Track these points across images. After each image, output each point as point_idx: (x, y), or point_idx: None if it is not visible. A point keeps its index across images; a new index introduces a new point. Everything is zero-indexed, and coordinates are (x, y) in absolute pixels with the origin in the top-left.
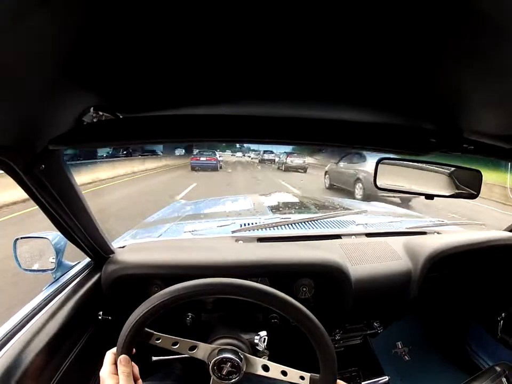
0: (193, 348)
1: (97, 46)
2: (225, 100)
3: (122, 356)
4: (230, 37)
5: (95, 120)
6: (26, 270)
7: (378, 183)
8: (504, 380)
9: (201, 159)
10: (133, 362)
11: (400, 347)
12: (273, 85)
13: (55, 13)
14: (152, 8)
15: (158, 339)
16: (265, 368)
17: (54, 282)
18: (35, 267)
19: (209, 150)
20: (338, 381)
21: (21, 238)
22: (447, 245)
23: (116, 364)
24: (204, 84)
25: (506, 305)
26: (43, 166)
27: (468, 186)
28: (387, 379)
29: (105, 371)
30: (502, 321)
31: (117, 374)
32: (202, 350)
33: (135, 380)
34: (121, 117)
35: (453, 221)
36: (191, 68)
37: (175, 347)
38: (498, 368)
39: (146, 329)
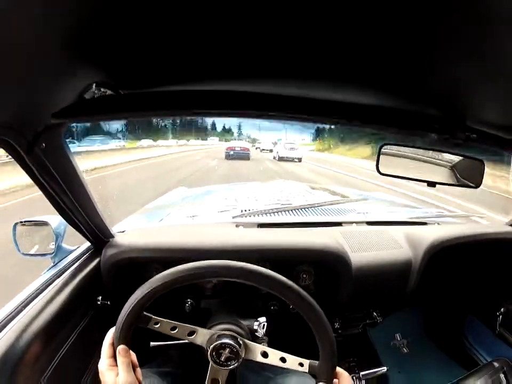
0: (192, 333)
1: (100, 22)
2: (228, 77)
3: (121, 347)
4: (233, 12)
5: (96, 96)
6: (25, 254)
7: (381, 170)
8: (502, 375)
9: (236, 148)
10: (130, 350)
11: (398, 339)
12: (280, 63)
13: None
14: None
15: (156, 323)
16: (264, 354)
17: (53, 266)
18: (34, 251)
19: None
20: (337, 368)
21: (20, 222)
22: (448, 236)
23: (113, 356)
24: (206, 59)
25: (506, 300)
26: (44, 144)
27: (470, 176)
28: (385, 370)
29: (104, 364)
30: (500, 316)
31: (116, 366)
32: (201, 335)
33: (134, 368)
34: (122, 93)
35: (454, 212)
36: (192, 44)
37: (173, 332)
38: (496, 364)
39: (144, 313)
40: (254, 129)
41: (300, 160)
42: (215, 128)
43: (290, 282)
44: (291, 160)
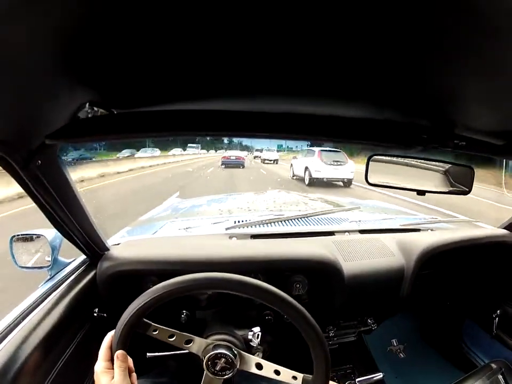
0: (188, 341)
1: (94, 42)
2: (219, 96)
3: (119, 352)
4: (225, 32)
5: (90, 115)
6: (22, 267)
7: (370, 180)
8: (500, 377)
9: (232, 157)
10: (128, 356)
11: (395, 344)
12: (268, 81)
13: (52, 9)
14: (148, 5)
15: (155, 330)
16: (259, 366)
17: (49, 279)
18: (31, 264)
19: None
20: (330, 382)
21: (17, 235)
22: (440, 241)
23: (110, 360)
24: (198, 79)
25: (501, 303)
26: (39, 161)
27: (460, 183)
28: (381, 376)
29: (100, 366)
30: (497, 319)
31: (112, 369)
32: (198, 344)
33: (130, 373)
34: (115, 112)
35: (447, 218)
36: (185, 64)
37: (171, 339)
38: (494, 365)
39: (144, 319)
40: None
41: (348, 184)
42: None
43: (286, 296)
44: (330, 183)
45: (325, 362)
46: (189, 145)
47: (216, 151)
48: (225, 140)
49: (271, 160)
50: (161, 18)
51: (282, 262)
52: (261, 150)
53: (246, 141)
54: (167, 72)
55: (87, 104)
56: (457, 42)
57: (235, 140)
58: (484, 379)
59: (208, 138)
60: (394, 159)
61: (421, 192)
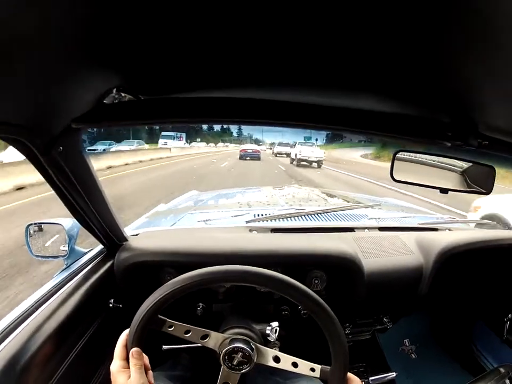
0: (205, 336)
1: (121, 27)
2: (243, 84)
3: (134, 349)
4: (246, 20)
5: (116, 101)
6: (37, 256)
7: (395, 177)
8: (508, 381)
9: (248, 150)
10: (143, 353)
11: (407, 344)
12: (293, 71)
13: None
14: None
15: (170, 326)
16: (276, 359)
17: (65, 268)
18: (47, 253)
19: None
20: (348, 373)
21: (33, 223)
22: (458, 242)
23: (126, 359)
24: (226, 67)
25: None
26: (61, 148)
27: (481, 182)
28: (394, 375)
29: (116, 366)
30: (508, 323)
31: (128, 368)
32: (214, 339)
33: (146, 371)
34: (142, 98)
35: (465, 219)
36: (213, 51)
37: (187, 335)
38: (502, 370)
39: (159, 316)
40: (255, 129)
41: None
42: (212, 128)
43: (306, 288)
44: None
45: (344, 353)
46: (162, 133)
47: (216, 145)
48: (235, 133)
49: (309, 162)
50: (187, 8)
51: (302, 256)
52: (288, 145)
53: (256, 134)
54: (195, 58)
55: (114, 89)
56: (479, 38)
57: (245, 132)
58: (491, 383)
59: (215, 129)
60: (417, 157)
61: (444, 190)
